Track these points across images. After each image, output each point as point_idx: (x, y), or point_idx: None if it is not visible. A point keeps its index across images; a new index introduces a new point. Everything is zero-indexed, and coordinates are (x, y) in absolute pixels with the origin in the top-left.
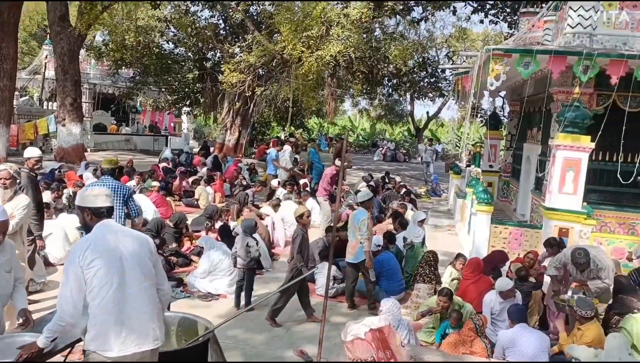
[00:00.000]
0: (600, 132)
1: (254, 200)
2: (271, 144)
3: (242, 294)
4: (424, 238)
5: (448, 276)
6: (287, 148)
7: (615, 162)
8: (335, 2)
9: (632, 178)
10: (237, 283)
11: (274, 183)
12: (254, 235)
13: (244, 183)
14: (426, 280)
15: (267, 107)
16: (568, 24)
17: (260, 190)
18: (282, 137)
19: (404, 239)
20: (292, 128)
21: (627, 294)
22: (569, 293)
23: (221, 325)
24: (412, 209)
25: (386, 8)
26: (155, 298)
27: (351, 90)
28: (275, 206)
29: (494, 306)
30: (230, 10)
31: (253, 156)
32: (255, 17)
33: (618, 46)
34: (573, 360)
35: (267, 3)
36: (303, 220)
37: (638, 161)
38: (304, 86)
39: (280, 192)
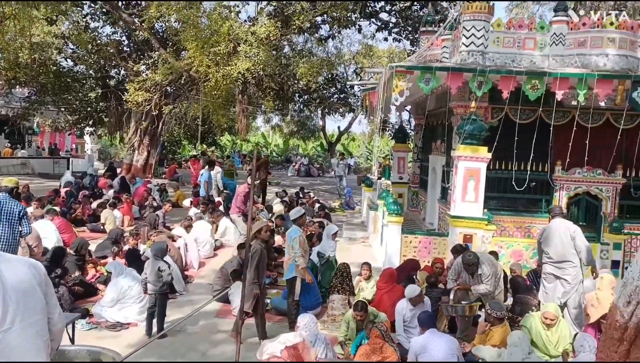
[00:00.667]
0: (495, 143)
1: (165, 221)
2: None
3: (155, 321)
4: None
5: (358, 284)
6: (218, 168)
7: (510, 170)
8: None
9: (526, 184)
10: (149, 310)
11: (186, 203)
12: (165, 258)
13: (155, 204)
14: (340, 291)
15: (176, 125)
16: (463, 43)
17: (170, 210)
18: (196, 154)
19: (319, 254)
20: (204, 146)
21: (524, 294)
22: (451, 295)
23: (131, 355)
24: (326, 224)
25: (294, 26)
26: (46, 333)
27: (263, 106)
28: (188, 227)
29: (405, 313)
30: (134, 27)
31: (163, 176)
32: (161, 34)
33: (507, 63)
34: (479, 361)
35: (172, 20)
36: (262, 235)
37: (530, 168)
38: (213, 103)
39: (193, 212)
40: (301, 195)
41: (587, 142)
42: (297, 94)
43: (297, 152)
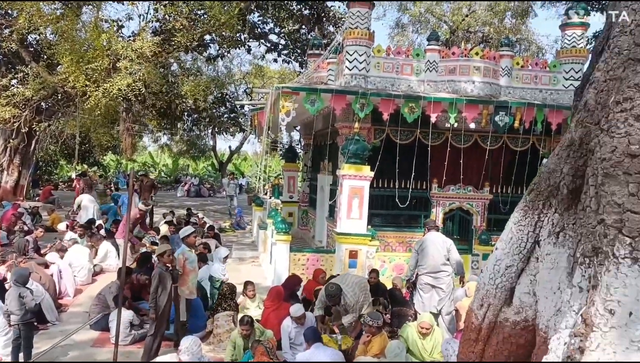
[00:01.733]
0: (378, 163)
1: (38, 247)
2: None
3: (21, 354)
4: None
5: (243, 303)
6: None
7: (392, 188)
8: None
9: (407, 201)
10: (14, 343)
11: (61, 226)
12: (34, 285)
13: (25, 228)
14: (225, 309)
15: (52, 144)
16: (346, 66)
17: (42, 235)
18: (74, 176)
19: (211, 278)
20: (85, 166)
21: (401, 306)
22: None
23: None
24: (216, 246)
25: (176, 44)
26: None
27: (149, 126)
28: (61, 252)
29: (290, 331)
30: (2, 38)
31: (37, 198)
32: (34, 47)
33: (387, 86)
34: None
35: (48, 32)
36: (164, 259)
37: (410, 186)
38: (93, 121)
39: (69, 236)
40: (189, 216)
41: (460, 161)
42: (185, 113)
43: (187, 172)
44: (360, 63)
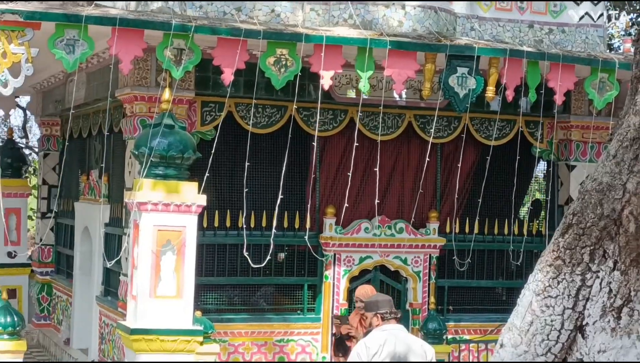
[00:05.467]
0: (207, 174)
1: None
2: None
3: None
4: None
5: None
6: None
7: (240, 229)
8: None
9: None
10: None
11: None
12: None
13: None
14: None
15: None
16: None
17: None
18: None
19: None
20: None
21: None
22: None
23: None
24: None
25: None
26: None
27: None
28: None
29: None
30: None
31: None
32: None
33: (229, 14)
34: None
35: None
36: None
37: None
38: None
39: None
40: None
41: (387, 169)
42: None
43: None
44: None
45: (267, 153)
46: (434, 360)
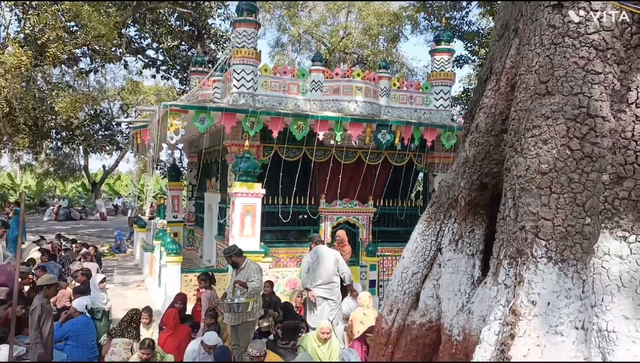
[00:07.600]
0: (266, 179)
1: None
2: None
3: None
4: None
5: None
6: None
7: (283, 204)
8: None
9: (290, 217)
10: None
11: None
12: None
13: None
14: (126, 336)
15: None
16: (234, 85)
17: None
18: None
19: (93, 310)
20: None
21: (293, 318)
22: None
23: None
24: (97, 270)
25: (49, 56)
26: None
27: (10, 144)
28: None
29: (196, 357)
30: None
31: None
32: None
33: (275, 105)
34: None
35: None
36: (49, 292)
37: (301, 201)
38: None
39: None
40: (61, 241)
41: (346, 177)
42: (54, 131)
43: (54, 194)
44: (248, 82)
45: (291, 169)
46: (339, 258)
